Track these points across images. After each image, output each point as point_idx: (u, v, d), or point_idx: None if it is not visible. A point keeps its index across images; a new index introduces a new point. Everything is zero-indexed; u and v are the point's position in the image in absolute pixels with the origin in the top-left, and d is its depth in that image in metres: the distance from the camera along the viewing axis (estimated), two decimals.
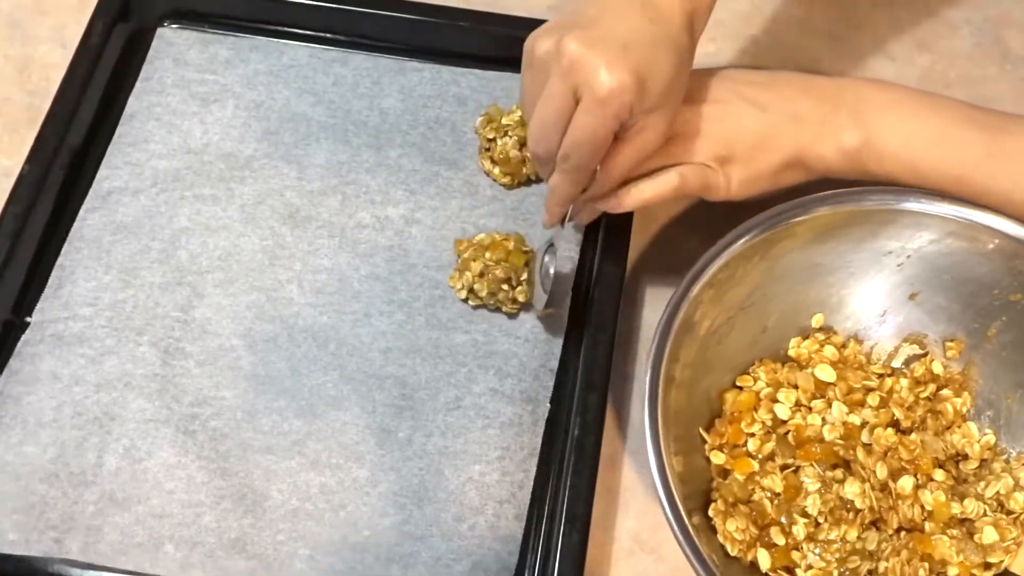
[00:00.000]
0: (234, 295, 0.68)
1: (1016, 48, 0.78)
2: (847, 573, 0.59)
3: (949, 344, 0.66)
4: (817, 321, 0.66)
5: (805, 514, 0.61)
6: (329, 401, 0.65)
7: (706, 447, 0.63)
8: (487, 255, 0.66)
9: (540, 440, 0.64)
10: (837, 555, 0.60)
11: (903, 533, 0.61)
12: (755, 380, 0.65)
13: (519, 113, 0.71)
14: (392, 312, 0.67)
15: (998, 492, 0.62)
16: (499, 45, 0.74)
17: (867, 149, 0.60)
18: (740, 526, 0.60)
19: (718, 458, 0.63)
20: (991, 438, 0.64)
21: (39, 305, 0.67)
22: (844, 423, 0.63)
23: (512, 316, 0.67)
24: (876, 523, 0.61)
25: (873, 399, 0.64)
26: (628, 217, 0.68)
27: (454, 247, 0.69)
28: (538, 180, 0.72)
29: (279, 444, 0.63)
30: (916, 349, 0.66)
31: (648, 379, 0.57)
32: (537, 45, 0.57)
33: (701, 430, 0.63)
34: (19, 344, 0.66)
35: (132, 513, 0.61)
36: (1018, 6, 0.79)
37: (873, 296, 0.66)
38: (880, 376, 0.66)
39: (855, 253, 0.64)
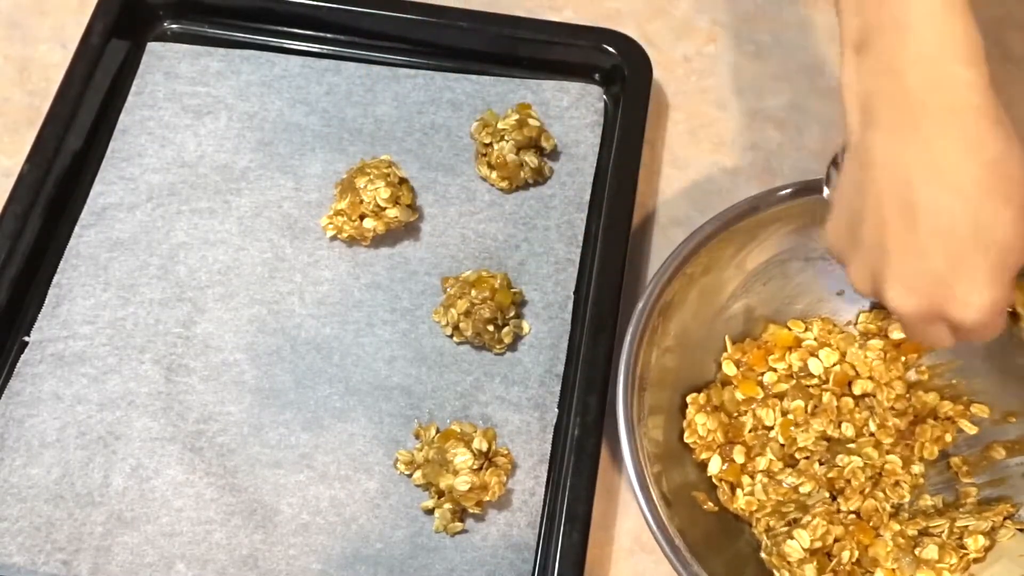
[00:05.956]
0: (235, 309, 0.67)
1: (1017, 49, 0.77)
2: (776, 513, 0.60)
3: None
4: None
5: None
6: (335, 413, 0.64)
7: (724, 355, 0.64)
8: (473, 292, 0.65)
9: (549, 447, 0.63)
10: (780, 496, 0.61)
11: (851, 516, 0.60)
12: (806, 328, 0.65)
13: (515, 117, 0.71)
14: (395, 321, 0.67)
15: (967, 527, 0.59)
16: (496, 46, 0.74)
17: None
18: (710, 427, 0.61)
19: (729, 368, 0.64)
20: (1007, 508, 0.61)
21: (37, 324, 0.67)
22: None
23: (500, 355, 0.66)
24: (835, 494, 0.61)
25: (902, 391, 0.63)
26: (627, 217, 0.68)
27: (440, 283, 0.68)
28: (535, 184, 0.72)
29: (287, 458, 0.63)
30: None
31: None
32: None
33: (727, 338, 0.64)
34: (19, 365, 0.66)
35: (141, 533, 0.61)
36: (1020, 7, 0.79)
37: None
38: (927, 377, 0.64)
39: None
